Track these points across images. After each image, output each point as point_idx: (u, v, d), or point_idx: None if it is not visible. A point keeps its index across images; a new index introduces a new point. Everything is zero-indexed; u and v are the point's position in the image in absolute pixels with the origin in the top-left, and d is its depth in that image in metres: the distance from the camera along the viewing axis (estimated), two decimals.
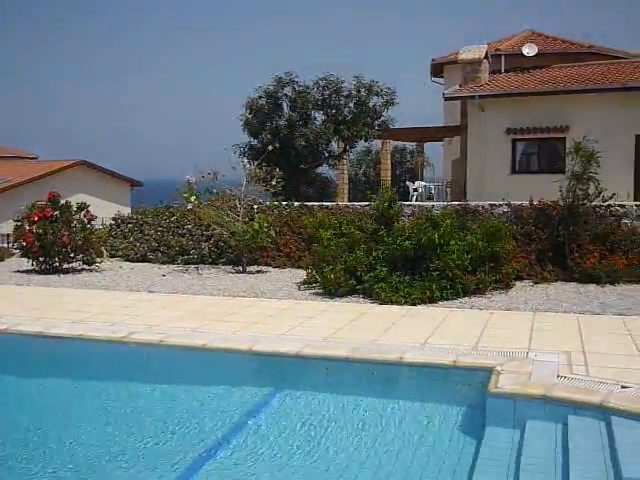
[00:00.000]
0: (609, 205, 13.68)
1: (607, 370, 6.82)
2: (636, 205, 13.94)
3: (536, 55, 25.84)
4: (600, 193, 13.33)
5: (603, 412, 5.77)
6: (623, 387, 6.28)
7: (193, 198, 15.43)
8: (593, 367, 6.97)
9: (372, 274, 11.51)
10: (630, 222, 13.64)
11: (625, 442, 5.18)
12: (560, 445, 5.53)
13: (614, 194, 13.61)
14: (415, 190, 27.96)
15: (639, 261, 12.60)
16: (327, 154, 26.41)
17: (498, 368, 6.85)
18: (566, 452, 5.29)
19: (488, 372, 6.80)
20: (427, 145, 34.51)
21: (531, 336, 8.42)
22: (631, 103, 21.64)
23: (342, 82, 25.50)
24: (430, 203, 17.31)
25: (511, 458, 5.47)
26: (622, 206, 13.84)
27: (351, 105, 25.64)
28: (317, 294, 11.80)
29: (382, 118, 26.20)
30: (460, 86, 24.61)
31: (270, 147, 18.22)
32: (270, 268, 15.29)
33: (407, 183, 29.57)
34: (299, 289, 12.38)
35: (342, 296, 11.50)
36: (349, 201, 25.89)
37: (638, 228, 13.48)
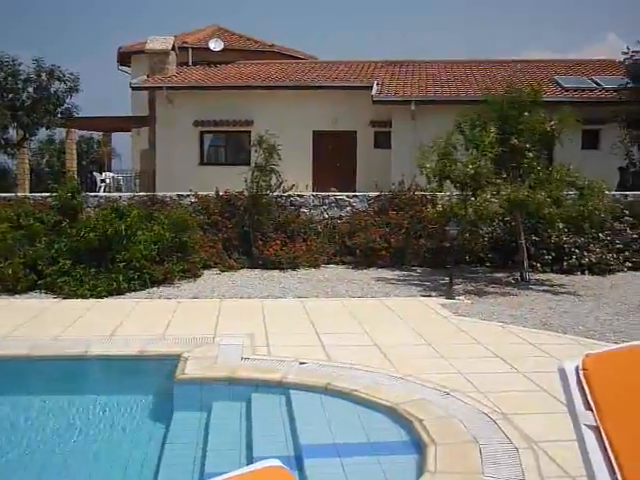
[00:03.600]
0: (289, 195, 14.51)
1: (287, 349, 7.24)
2: (313, 195, 14.95)
3: (222, 50, 26.50)
4: (281, 184, 14.11)
5: (283, 388, 6.12)
6: (301, 363, 6.70)
7: None
8: (274, 347, 7.34)
9: (55, 268, 10.96)
10: (308, 211, 14.60)
11: (301, 413, 5.55)
12: (245, 422, 5.74)
13: (294, 185, 14.48)
14: (103, 181, 27.11)
15: (316, 247, 13.56)
16: (4, 142, 24.45)
17: (185, 355, 6.92)
18: (250, 428, 5.51)
19: (175, 359, 6.84)
20: (116, 135, 33.64)
21: (218, 322, 8.64)
22: (308, 101, 23.16)
23: (19, 64, 23.77)
24: (118, 194, 16.90)
25: (198, 441, 5.56)
26: (301, 196, 14.75)
27: (30, 90, 24.01)
28: None
29: (65, 105, 24.94)
30: (148, 76, 24.34)
31: None
32: None
33: (95, 174, 28.55)
34: None
35: (23, 292, 10.79)
36: (31, 192, 24.26)
37: (315, 217, 14.49)
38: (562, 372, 2.66)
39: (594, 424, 2.56)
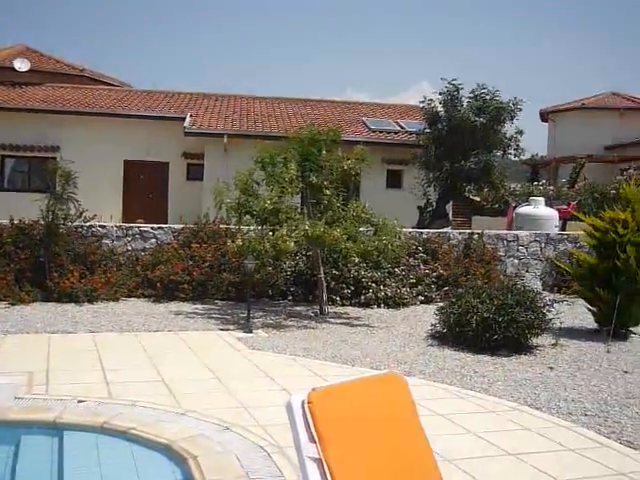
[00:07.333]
0: (91, 226, 13.97)
1: (68, 387, 6.91)
2: (117, 226, 14.49)
3: (29, 71, 25.33)
4: (82, 214, 13.57)
5: (57, 428, 5.82)
6: (80, 401, 6.42)
7: None
8: (54, 385, 6.99)
9: None
10: (111, 242, 14.13)
11: (72, 454, 5.31)
12: (10, 468, 5.39)
13: (95, 215, 13.99)
14: None
15: (116, 280, 13.14)
16: None
17: None
18: (14, 474, 5.18)
19: None
20: None
21: None
22: (120, 129, 22.66)
23: None
24: None
25: None
26: (103, 227, 14.24)
27: None
28: None
29: None
30: None
31: None
32: None
33: None
34: None
35: None
36: None
37: (118, 248, 14.05)
38: (289, 406, 2.73)
39: (317, 456, 2.64)
